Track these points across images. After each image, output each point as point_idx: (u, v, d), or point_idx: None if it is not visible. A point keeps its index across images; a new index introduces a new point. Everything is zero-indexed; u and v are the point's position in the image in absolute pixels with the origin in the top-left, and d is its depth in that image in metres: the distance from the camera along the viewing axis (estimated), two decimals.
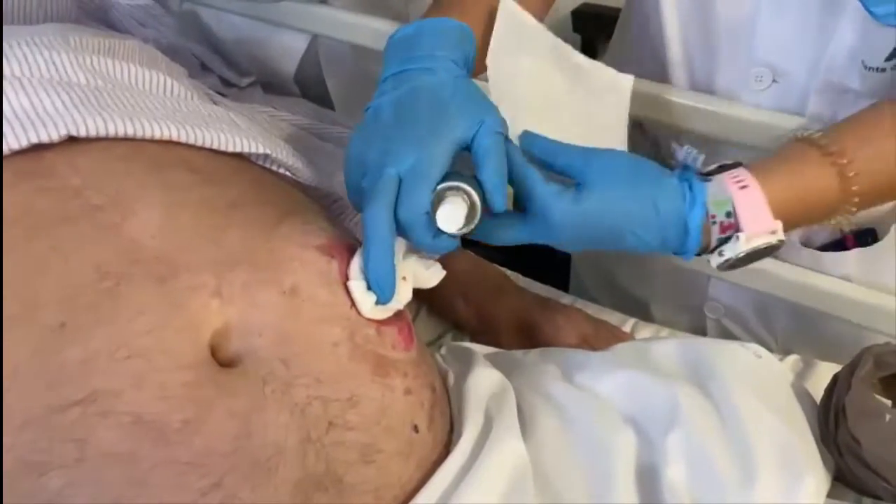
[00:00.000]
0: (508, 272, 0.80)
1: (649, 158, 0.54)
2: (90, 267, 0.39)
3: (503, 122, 0.48)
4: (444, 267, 0.73)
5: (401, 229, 0.45)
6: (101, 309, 0.38)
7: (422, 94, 0.48)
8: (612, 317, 0.75)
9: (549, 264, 0.93)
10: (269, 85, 0.86)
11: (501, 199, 0.45)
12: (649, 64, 0.69)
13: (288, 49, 0.84)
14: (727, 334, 0.82)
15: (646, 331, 0.75)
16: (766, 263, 0.63)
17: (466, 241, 0.55)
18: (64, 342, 0.36)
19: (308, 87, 0.88)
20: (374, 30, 0.75)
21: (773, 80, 0.62)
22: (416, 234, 0.45)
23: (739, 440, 0.48)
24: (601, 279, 0.94)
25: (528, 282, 0.80)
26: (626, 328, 0.75)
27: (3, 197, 0.40)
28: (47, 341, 0.36)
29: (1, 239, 0.38)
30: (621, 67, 0.67)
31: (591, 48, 2.01)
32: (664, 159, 0.76)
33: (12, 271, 0.38)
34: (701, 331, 0.83)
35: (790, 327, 0.77)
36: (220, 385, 0.39)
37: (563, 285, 0.92)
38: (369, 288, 0.45)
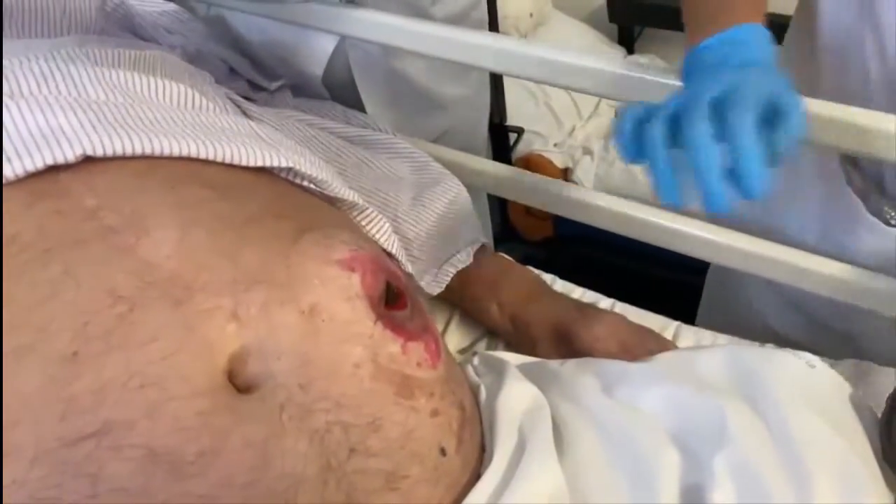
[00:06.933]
0: (546, 276, 0.77)
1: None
2: (103, 291, 0.38)
3: None
4: (475, 270, 0.70)
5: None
6: (113, 336, 0.36)
7: None
8: (654, 321, 0.72)
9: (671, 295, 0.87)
10: (299, 88, 0.85)
11: None
12: (850, 83, 0.65)
13: (316, 51, 0.83)
14: None
15: (689, 335, 0.72)
16: None
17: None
18: (76, 372, 0.35)
19: (337, 88, 0.87)
20: (402, 29, 0.73)
21: None
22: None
23: (793, 459, 0.44)
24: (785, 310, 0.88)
25: (565, 285, 0.77)
26: (668, 333, 0.72)
27: (16, 219, 0.39)
28: (59, 371, 0.35)
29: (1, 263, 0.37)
30: (802, 81, 0.64)
31: (627, 38, 1.98)
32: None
33: (26, 297, 0.37)
34: None
35: None
36: (236, 412, 0.37)
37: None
38: None
